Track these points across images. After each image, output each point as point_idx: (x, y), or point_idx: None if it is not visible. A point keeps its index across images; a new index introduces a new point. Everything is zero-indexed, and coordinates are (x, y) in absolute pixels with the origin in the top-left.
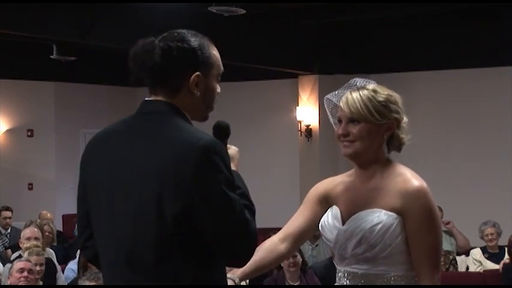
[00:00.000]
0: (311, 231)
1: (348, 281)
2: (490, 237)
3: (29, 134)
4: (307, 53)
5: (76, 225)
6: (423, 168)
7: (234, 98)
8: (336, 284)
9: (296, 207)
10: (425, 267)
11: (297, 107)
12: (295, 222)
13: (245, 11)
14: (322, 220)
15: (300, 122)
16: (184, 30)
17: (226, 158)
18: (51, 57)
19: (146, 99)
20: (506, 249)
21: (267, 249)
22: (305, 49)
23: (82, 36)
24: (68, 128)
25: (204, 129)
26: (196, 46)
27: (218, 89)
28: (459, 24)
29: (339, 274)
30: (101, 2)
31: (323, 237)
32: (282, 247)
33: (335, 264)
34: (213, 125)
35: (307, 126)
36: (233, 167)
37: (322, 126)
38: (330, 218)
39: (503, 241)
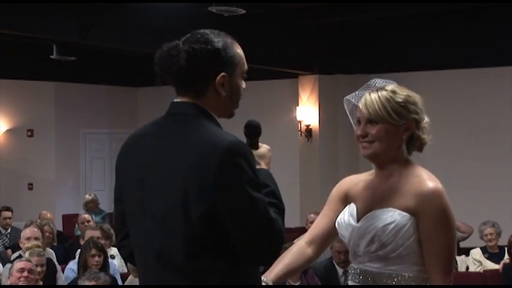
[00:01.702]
0: (336, 232)
1: (360, 278)
2: (489, 237)
3: (29, 134)
4: (307, 53)
5: (76, 225)
6: (423, 167)
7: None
8: (348, 281)
9: (296, 207)
10: (438, 269)
11: (297, 107)
12: (320, 224)
13: (245, 11)
14: (339, 217)
15: (300, 122)
16: (207, 31)
17: (250, 159)
18: (51, 57)
19: (174, 100)
20: (506, 249)
21: (296, 252)
22: (305, 49)
23: (82, 36)
24: (68, 128)
25: (232, 126)
26: (220, 47)
27: (243, 85)
28: (459, 24)
29: (352, 271)
30: (100, 2)
31: (339, 234)
32: (310, 251)
33: (350, 260)
34: (244, 124)
35: (307, 126)
36: (264, 166)
37: (322, 126)
38: (346, 216)
39: (503, 241)
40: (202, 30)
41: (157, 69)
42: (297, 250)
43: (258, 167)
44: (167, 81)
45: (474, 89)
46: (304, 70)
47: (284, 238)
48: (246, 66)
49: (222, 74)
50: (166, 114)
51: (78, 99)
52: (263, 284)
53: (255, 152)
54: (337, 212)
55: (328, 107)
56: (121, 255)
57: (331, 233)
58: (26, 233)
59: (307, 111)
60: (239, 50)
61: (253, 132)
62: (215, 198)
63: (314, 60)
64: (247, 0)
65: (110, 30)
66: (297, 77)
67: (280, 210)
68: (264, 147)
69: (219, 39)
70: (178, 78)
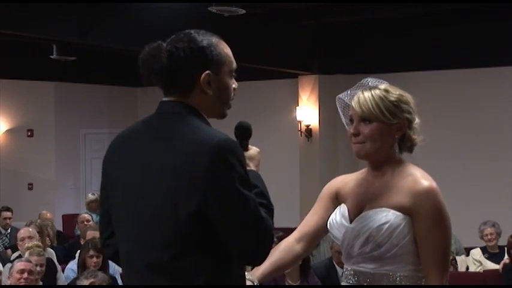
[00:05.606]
0: (326, 229)
1: (354, 280)
2: (489, 237)
3: (29, 134)
4: (307, 53)
5: (76, 225)
6: (423, 168)
7: (233, 98)
8: (342, 282)
9: (296, 207)
10: (434, 268)
11: (297, 107)
12: (310, 221)
13: (245, 11)
14: (330, 218)
15: (300, 122)
16: (192, 31)
17: (240, 156)
18: (51, 57)
19: (163, 99)
20: (506, 249)
21: (284, 249)
22: (305, 49)
23: (82, 36)
24: (68, 128)
25: (226, 129)
26: (204, 45)
27: (235, 85)
28: (459, 24)
29: (346, 272)
30: (100, 2)
31: (331, 235)
32: (298, 247)
33: (343, 262)
34: (234, 126)
35: (307, 126)
36: (253, 167)
37: (322, 126)
38: (338, 216)
39: (503, 241)
40: (186, 31)
41: (142, 71)
42: (285, 247)
43: (247, 168)
44: (153, 82)
45: (474, 89)
46: (304, 70)
47: (274, 238)
48: (234, 65)
49: (207, 72)
50: (155, 113)
51: (78, 99)
52: (248, 282)
53: (245, 154)
54: (327, 210)
55: (328, 107)
56: (106, 255)
57: (320, 231)
58: (21, 233)
59: (307, 111)
60: (226, 49)
61: (244, 133)
62: (206, 196)
63: (314, 60)
64: (247, 0)
65: (110, 30)
66: (297, 77)
67: (270, 210)
68: (253, 149)
69: (203, 38)
70: (163, 78)
